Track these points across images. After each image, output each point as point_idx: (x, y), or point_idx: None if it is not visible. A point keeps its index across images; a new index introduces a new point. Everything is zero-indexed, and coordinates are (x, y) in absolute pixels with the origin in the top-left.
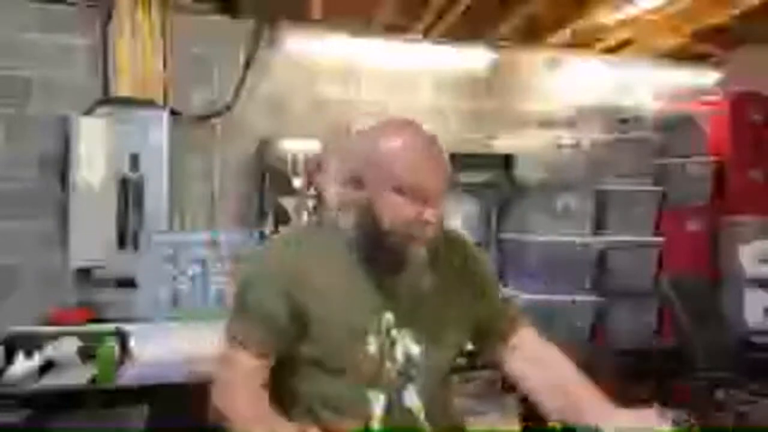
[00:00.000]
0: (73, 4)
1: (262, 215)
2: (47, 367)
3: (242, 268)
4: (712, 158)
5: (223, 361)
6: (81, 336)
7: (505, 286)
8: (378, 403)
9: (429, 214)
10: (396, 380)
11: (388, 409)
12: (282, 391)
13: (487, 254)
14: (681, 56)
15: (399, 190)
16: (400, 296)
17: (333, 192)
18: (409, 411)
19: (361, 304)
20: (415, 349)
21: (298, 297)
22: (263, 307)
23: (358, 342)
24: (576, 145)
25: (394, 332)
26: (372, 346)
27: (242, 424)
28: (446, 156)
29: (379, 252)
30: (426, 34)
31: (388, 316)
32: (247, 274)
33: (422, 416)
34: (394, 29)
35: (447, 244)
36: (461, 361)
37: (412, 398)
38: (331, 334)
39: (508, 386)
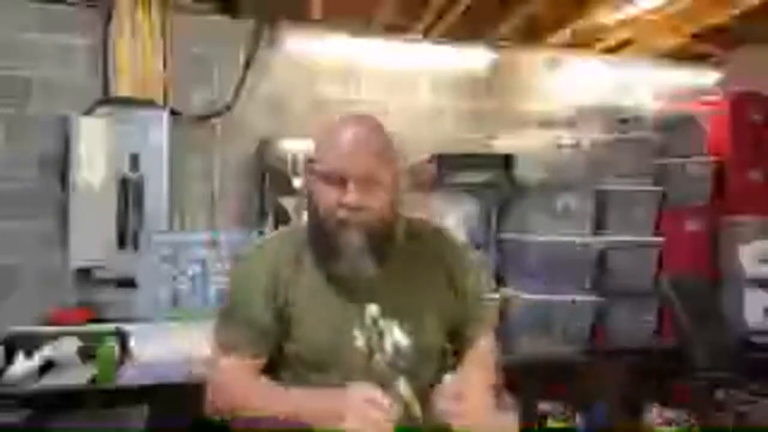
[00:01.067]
0: (73, 4)
1: (262, 215)
2: (47, 367)
3: (232, 268)
4: (712, 158)
5: (215, 366)
6: (81, 336)
7: (505, 286)
8: None
9: (349, 198)
10: (386, 372)
11: None
12: None
13: (480, 257)
14: (681, 56)
15: (322, 177)
16: (363, 286)
17: None
18: (401, 401)
19: (331, 299)
20: (404, 340)
21: (281, 295)
22: (249, 311)
23: (340, 337)
24: (576, 145)
25: (381, 323)
26: (359, 340)
27: (240, 408)
28: (384, 144)
29: (322, 241)
30: (426, 34)
31: (372, 308)
32: (234, 273)
33: (416, 406)
34: (394, 29)
35: (421, 235)
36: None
37: (404, 389)
38: (310, 333)
39: (507, 385)
